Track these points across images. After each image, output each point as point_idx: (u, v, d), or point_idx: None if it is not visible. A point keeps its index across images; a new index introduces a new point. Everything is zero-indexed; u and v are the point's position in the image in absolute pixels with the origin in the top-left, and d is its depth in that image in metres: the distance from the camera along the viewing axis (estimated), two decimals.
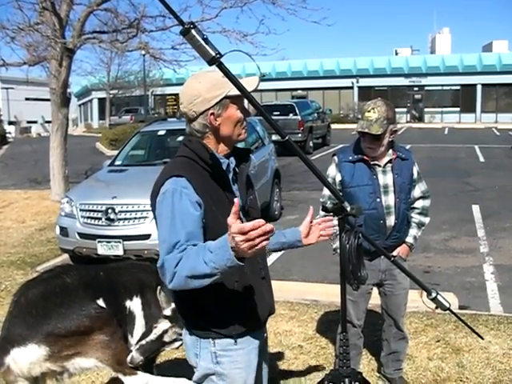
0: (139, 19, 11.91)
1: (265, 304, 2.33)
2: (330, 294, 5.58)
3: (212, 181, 2.17)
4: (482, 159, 19.69)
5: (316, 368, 4.32)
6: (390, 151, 3.62)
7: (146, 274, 3.48)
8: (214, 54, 1.72)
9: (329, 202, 2.18)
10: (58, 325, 3.10)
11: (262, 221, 1.73)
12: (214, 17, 11.83)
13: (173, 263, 1.96)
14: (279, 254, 7.98)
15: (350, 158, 3.61)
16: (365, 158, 3.58)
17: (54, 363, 3.12)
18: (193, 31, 1.71)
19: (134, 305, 3.40)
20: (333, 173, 3.67)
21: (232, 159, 2.27)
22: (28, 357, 3.06)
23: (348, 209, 2.06)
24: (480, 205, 11.00)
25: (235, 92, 1.97)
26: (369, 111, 3.45)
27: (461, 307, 5.56)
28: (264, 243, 1.74)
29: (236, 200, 1.83)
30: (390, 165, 3.60)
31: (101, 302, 3.25)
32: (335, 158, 3.70)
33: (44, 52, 12.24)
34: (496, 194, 12.48)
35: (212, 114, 2.15)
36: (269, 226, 1.72)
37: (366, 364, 4.34)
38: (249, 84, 2.11)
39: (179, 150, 2.28)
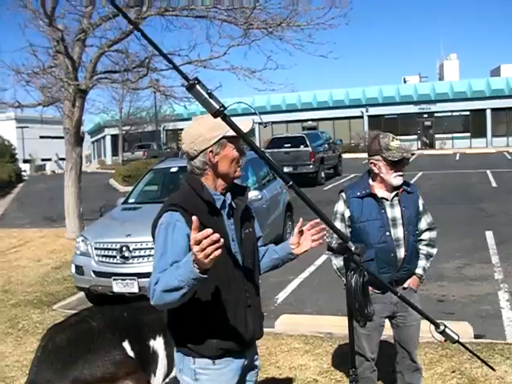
0: (149, 58, 12.20)
1: (248, 330, 2.49)
2: (344, 326, 5.47)
3: (206, 215, 2.37)
4: (494, 184, 19.61)
5: None
6: None
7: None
8: (218, 107, 1.84)
9: (334, 242, 2.25)
10: (85, 371, 3.14)
11: (210, 230, 1.94)
12: (222, 54, 12.08)
13: (153, 282, 2.24)
14: (293, 287, 8.02)
15: (358, 193, 3.69)
16: (372, 192, 3.66)
17: None
18: (197, 86, 1.83)
19: (157, 344, 3.45)
20: (341, 209, 3.74)
21: (228, 196, 2.49)
22: None
23: (352, 248, 2.13)
24: (493, 231, 10.96)
25: (232, 133, 2.12)
26: (393, 140, 3.58)
27: (476, 336, 5.54)
28: (216, 253, 1.95)
29: (194, 218, 2.02)
30: (396, 198, 3.68)
31: (126, 344, 3.31)
32: (343, 194, 3.77)
33: (58, 93, 12.55)
34: (509, 219, 12.42)
35: (211, 151, 2.40)
36: (215, 236, 1.93)
37: None
38: (243, 126, 2.26)
39: (182, 186, 2.56)
